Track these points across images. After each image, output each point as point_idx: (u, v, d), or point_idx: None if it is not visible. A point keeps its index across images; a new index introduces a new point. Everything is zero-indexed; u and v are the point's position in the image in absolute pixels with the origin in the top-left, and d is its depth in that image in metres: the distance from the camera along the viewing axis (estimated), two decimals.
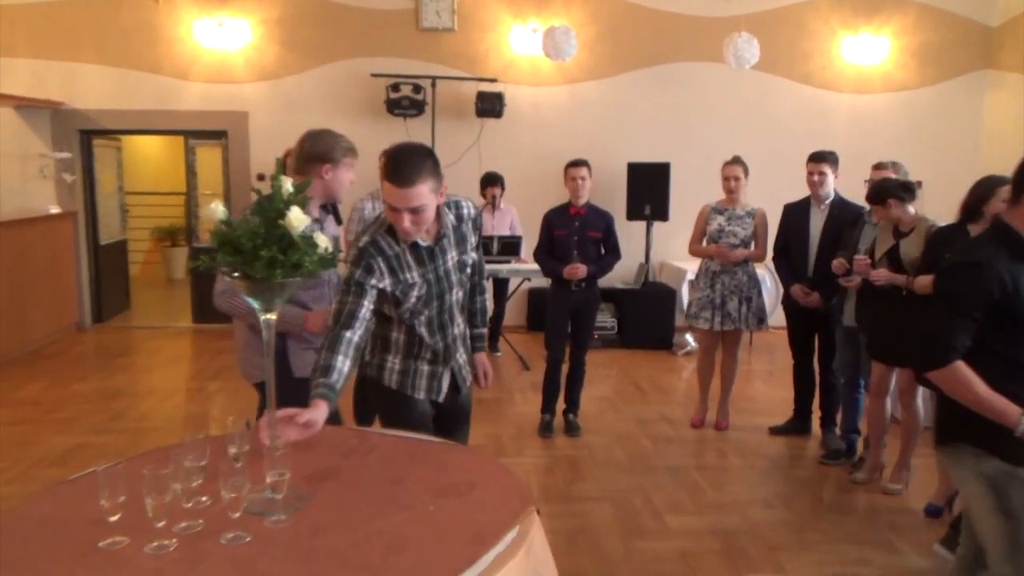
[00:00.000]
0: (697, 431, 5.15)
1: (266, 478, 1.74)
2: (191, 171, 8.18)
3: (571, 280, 4.87)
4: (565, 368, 5.13)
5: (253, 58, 7.75)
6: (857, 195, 4.82)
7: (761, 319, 5.05)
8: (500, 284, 7.04)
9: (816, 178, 4.72)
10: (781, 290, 5.12)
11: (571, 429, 5.05)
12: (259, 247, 1.65)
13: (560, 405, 5.15)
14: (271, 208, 1.70)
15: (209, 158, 8.19)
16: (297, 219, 1.68)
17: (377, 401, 2.75)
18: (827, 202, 4.75)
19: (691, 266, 6.23)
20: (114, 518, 1.66)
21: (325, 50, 7.75)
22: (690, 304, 5.18)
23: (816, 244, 4.73)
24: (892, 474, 4.29)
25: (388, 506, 1.80)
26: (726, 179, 5.03)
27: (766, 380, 6.51)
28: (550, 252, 4.98)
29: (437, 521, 1.74)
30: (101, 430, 4.99)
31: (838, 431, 4.80)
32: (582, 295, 4.94)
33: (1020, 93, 7.69)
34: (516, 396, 5.86)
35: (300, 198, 1.72)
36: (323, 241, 1.76)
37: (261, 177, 7.82)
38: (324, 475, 1.96)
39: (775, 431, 5.11)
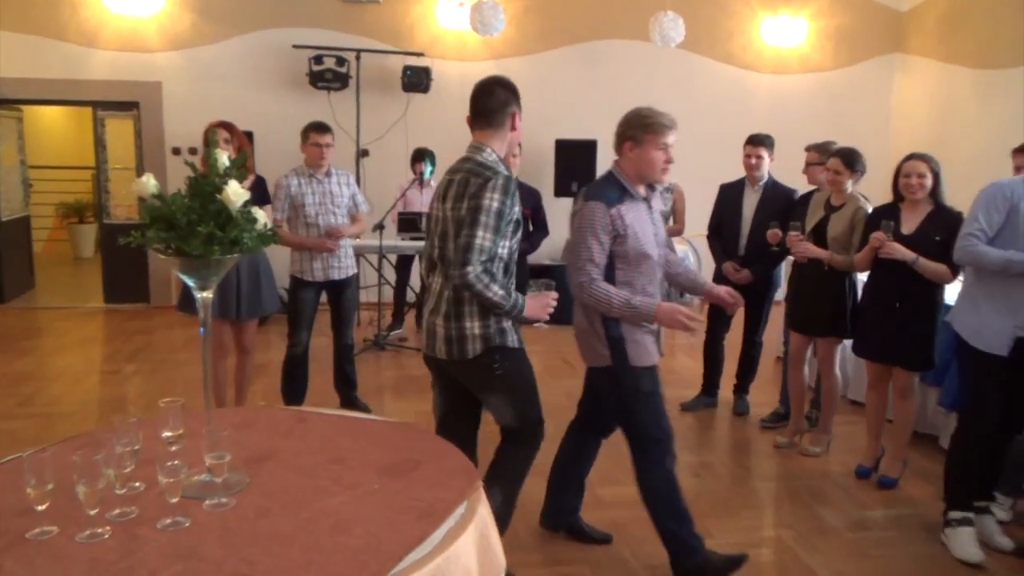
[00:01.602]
0: None
1: (205, 460, 1.69)
2: (100, 144, 7.79)
3: None
4: None
5: (166, 25, 7.42)
6: (780, 175, 4.99)
7: (682, 293, 5.19)
8: None
9: (753, 161, 4.82)
10: (703, 266, 5.25)
11: None
12: (195, 223, 1.59)
13: None
14: (206, 183, 1.63)
15: (120, 131, 7.81)
16: (235, 193, 1.62)
17: (508, 365, 2.68)
18: (761, 183, 4.86)
19: None
20: (42, 507, 1.59)
21: (243, 19, 7.48)
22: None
23: (748, 224, 4.84)
24: (812, 438, 4.49)
25: (332, 486, 1.78)
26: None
27: (688, 352, 6.68)
28: None
29: (383, 500, 1.73)
30: (9, 416, 4.75)
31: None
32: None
33: (927, 75, 8.05)
34: None
35: (237, 172, 1.66)
36: (262, 216, 1.70)
37: (176, 151, 7.53)
38: (263, 456, 1.92)
39: (686, 408, 5.20)
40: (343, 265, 4.63)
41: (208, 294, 1.73)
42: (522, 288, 4.87)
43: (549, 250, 7.61)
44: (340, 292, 4.69)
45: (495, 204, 2.53)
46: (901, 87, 8.43)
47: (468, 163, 2.68)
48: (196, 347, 6.26)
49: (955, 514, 3.37)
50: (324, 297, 4.68)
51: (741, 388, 5.15)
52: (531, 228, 4.99)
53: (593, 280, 2.80)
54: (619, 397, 2.95)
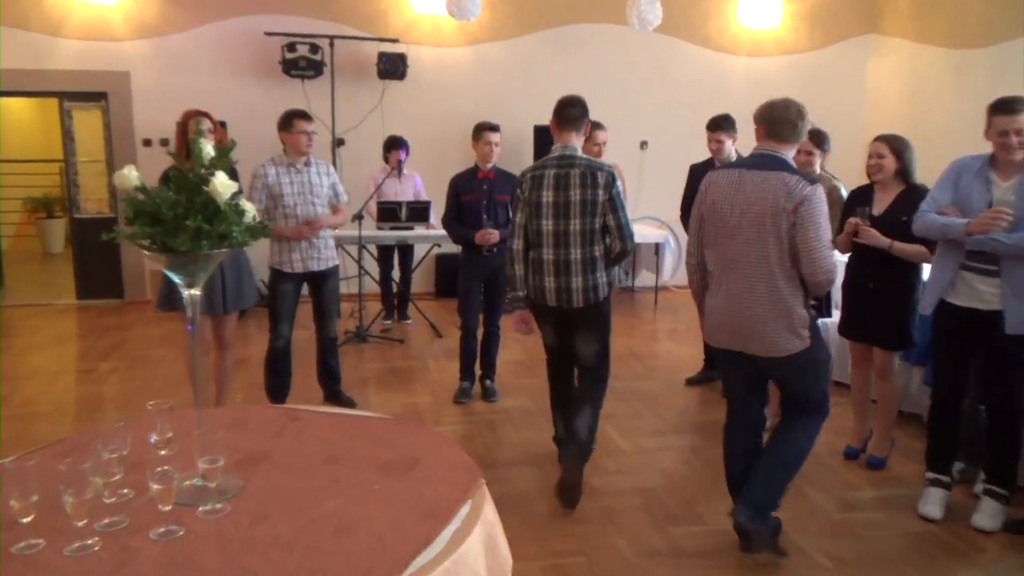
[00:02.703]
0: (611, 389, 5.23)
1: (197, 465, 1.61)
2: (68, 136, 7.58)
3: (483, 246, 4.81)
4: (479, 334, 5.10)
5: (133, 13, 7.23)
6: None
7: (628, 272, 5.23)
8: (406, 251, 6.90)
9: (714, 146, 4.92)
10: (683, 250, 5.24)
11: (488, 395, 5.03)
12: (182, 217, 1.51)
13: (476, 371, 5.11)
14: (193, 174, 1.55)
15: (88, 122, 7.61)
16: (223, 185, 1.54)
17: (609, 308, 3.72)
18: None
19: None
20: (27, 519, 1.50)
21: (214, 5, 7.30)
22: None
23: None
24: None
25: (330, 487, 1.71)
26: (596, 144, 5.03)
27: (671, 337, 6.67)
28: (458, 218, 4.91)
29: (385, 500, 1.67)
30: None
31: None
32: (494, 260, 4.88)
33: (901, 57, 8.08)
34: (430, 364, 5.78)
35: (224, 162, 1.58)
36: (251, 209, 1.62)
37: (147, 143, 7.36)
38: (256, 459, 1.85)
39: (691, 382, 5.35)
40: (323, 256, 4.53)
41: (196, 291, 1.65)
42: (501, 276, 4.85)
43: None
44: (321, 284, 4.59)
45: (622, 188, 3.72)
46: (875, 68, 8.46)
47: (576, 160, 3.56)
48: (173, 343, 6.13)
49: (928, 475, 3.61)
50: (305, 289, 4.59)
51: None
52: (509, 215, 4.92)
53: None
54: (812, 372, 3.07)
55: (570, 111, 3.62)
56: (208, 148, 1.61)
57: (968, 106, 7.06)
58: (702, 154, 5.07)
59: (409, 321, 6.96)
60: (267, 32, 7.15)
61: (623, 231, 3.56)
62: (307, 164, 4.46)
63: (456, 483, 1.73)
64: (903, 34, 8.01)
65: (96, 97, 7.40)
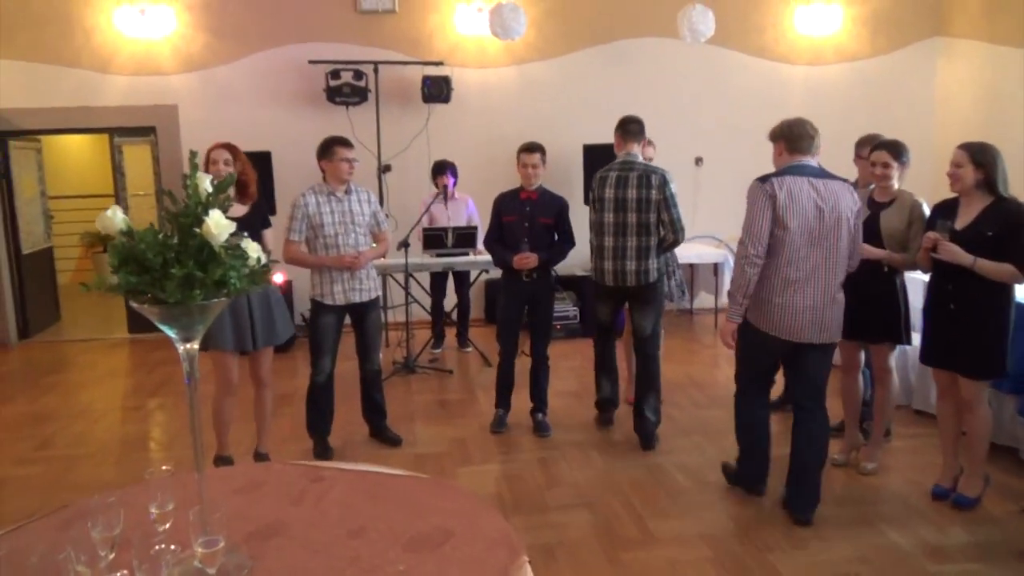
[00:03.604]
0: (669, 420, 4.94)
1: (195, 548, 1.41)
2: (118, 171, 7.63)
3: (521, 271, 4.60)
4: (522, 362, 4.89)
5: (180, 47, 7.25)
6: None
7: (683, 291, 5.27)
8: (461, 277, 6.71)
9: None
10: None
11: (541, 429, 4.77)
12: (170, 263, 1.31)
13: (527, 404, 4.87)
14: (185, 213, 1.35)
15: (138, 156, 7.66)
16: (217, 226, 1.34)
17: (661, 288, 4.55)
18: None
19: None
20: None
21: (257, 37, 7.28)
22: None
23: None
24: (865, 453, 4.15)
25: (349, 568, 1.49)
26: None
27: (732, 363, 6.31)
28: (500, 239, 4.71)
29: None
30: (26, 460, 4.53)
31: None
32: (535, 285, 4.67)
33: (971, 59, 7.62)
34: (479, 395, 5.55)
35: (222, 199, 1.38)
36: (254, 251, 1.42)
37: None
38: (270, 531, 1.63)
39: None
40: (365, 287, 4.36)
41: (193, 346, 1.45)
42: (545, 302, 4.76)
43: (581, 260, 7.29)
44: (364, 316, 4.41)
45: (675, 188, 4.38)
46: (944, 73, 7.99)
47: (635, 164, 4.40)
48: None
49: None
50: (347, 321, 4.42)
51: None
52: (555, 238, 4.70)
53: None
54: (830, 358, 3.63)
55: (632, 126, 4.50)
56: (205, 183, 1.42)
57: None
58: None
59: (469, 349, 6.75)
60: (311, 60, 7.09)
61: (675, 224, 4.33)
62: (347, 192, 4.30)
63: (493, 563, 1.49)
64: (974, 35, 7.55)
65: (145, 132, 7.44)
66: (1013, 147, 6.14)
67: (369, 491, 1.83)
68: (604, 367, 4.85)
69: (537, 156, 4.62)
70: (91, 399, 5.74)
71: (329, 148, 4.24)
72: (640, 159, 4.45)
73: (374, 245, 4.42)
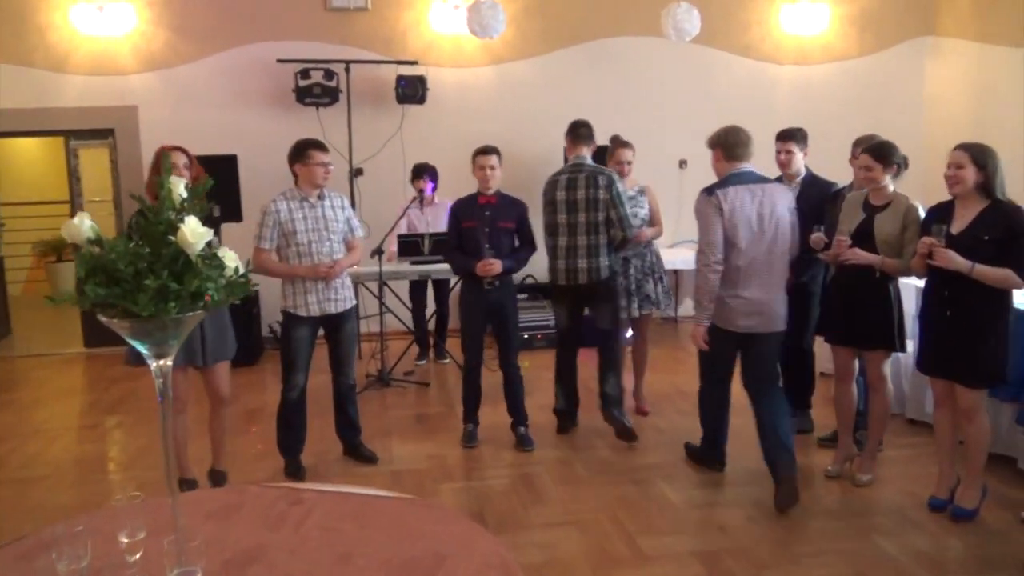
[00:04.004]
0: (656, 431, 4.94)
1: None
2: (74, 176, 7.52)
3: (484, 278, 4.59)
4: (497, 377, 4.90)
5: (140, 45, 7.16)
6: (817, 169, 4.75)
7: (670, 297, 5.29)
8: (439, 285, 6.66)
9: (783, 156, 4.71)
10: None
11: (524, 443, 4.74)
12: (143, 273, 1.27)
13: (506, 417, 4.85)
14: (158, 220, 1.32)
15: (95, 160, 7.55)
16: (194, 233, 1.31)
17: (615, 285, 4.84)
18: (798, 180, 4.71)
19: None
20: None
21: (222, 35, 7.21)
22: None
23: None
24: (859, 464, 4.17)
25: None
26: (619, 163, 5.10)
27: None
28: (459, 247, 4.71)
29: None
30: None
31: None
32: (498, 293, 4.67)
33: (960, 58, 7.74)
34: (458, 409, 5.47)
35: (199, 205, 1.35)
36: (231, 260, 1.39)
37: None
38: (248, 559, 1.59)
39: None
40: (341, 297, 4.31)
41: (167, 362, 1.41)
42: (510, 310, 4.78)
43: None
44: (339, 327, 4.37)
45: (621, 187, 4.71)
46: (934, 72, 8.11)
47: (584, 167, 4.69)
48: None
49: None
50: (321, 332, 4.37)
51: (801, 402, 4.88)
52: (515, 243, 4.71)
53: None
54: (779, 345, 4.06)
55: (582, 130, 4.78)
56: (180, 188, 1.39)
57: None
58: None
59: (447, 361, 6.71)
60: (279, 60, 7.03)
61: (623, 222, 4.60)
62: (320, 198, 4.26)
63: None
64: (963, 34, 7.67)
65: (103, 134, 7.33)
66: (1004, 148, 6.18)
67: (353, 514, 1.79)
68: (562, 377, 4.97)
69: (494, 158, 4.64)
70: (45, 418, 5.62)
71: (303, 151, 4.19)
72: (588, 161, 4.71)
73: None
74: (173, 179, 1.38)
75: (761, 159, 5.30)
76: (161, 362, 1.40)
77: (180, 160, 3.85)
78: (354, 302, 4.43)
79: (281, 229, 4.16)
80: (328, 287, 4.24)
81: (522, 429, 4.81)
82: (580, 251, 4.63)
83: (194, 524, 1.47)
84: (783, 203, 3.93)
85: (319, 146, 4.22)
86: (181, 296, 1.30)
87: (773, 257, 3.90)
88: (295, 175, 4.25)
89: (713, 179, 4.12)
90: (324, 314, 4.26)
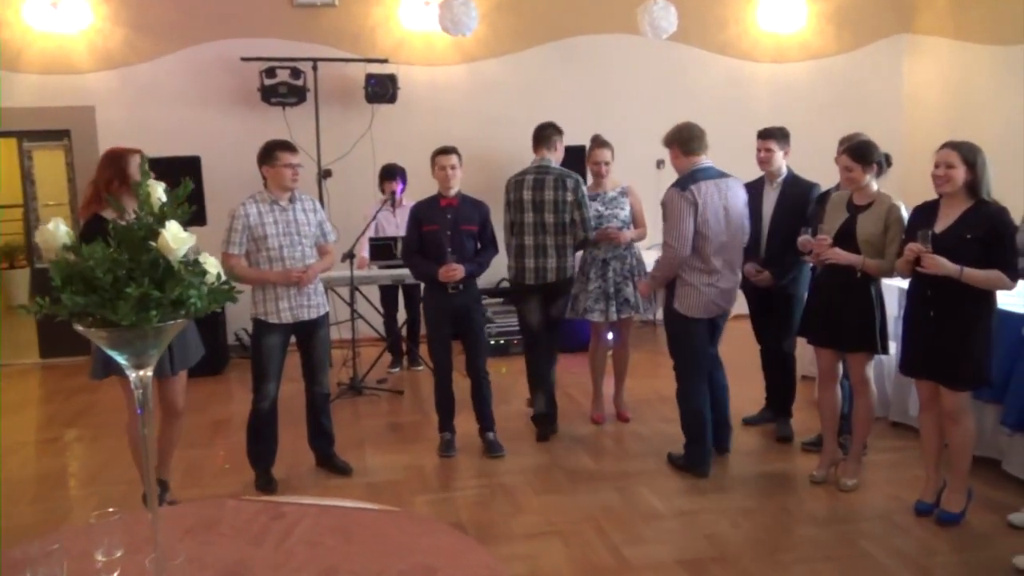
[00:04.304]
0: (638, 438, 4.96)
1: None
2: (28, 179, 7.40)
3: (447, 283, 4.61)
4: (463, 380, 4.90)
5: (97, 43, 7.08)
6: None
7: (651, 300, 5.21)
8: (410, 290, 6.64)
9: (763, 155, 4.78)
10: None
11: (492, 449, 4.76)
12: (123, 281, 1.26)
13: (473, 426, 4.87)
14: (138, 225, 1.31)
15: (50, 163, 7.43)
16: (176, 239, 1.30)
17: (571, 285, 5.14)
18: (779, 179, 4.78)
19: None
20: None
21: (183, 31, 7.15)
22: (576, 297, 5.13)
23: (768, 222, 4.77)
24: (844, 468, 4.23)
25: None
26: (596, 163, 5.15)
27: None
28: (421, 251, 4.72)
29: None
30: None
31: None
32: (462, 297, 4.69)
33: (938, 56, 7.90)
34: (433, 417, 5.45)
35: (181, 211, 1.34)
36: (213, 266, 1.38)
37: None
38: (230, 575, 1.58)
39: (749, 421, 5.14)
40: (313, 303, 4.29)
41: (147, 372, 1.40)
42: (475, 314, 4.82)
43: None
44: (312, 334, 4.34)
45: (586, 190, 4.97)
46: (912, 70, 8.27)
47: (552, 170, 4.90)
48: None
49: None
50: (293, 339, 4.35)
51: (782, 409, 4.96)
52: (478, 246, 4.74)
53: None
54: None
55: (544, 132, 5.01)
56: (159, 191, 1.38)
57: (1018, 108, 6.85)
58: (724, 167, 4.91)
59: (420, 368, 6.69)
60: (243, 58, 6.98)
61: (586, 224, 4.86)
62: (292, 201, 4.24)
63: None
64: (941, 32, 7.82)
65: (58, 135, 7.22)
66: (983, 146, 6.35)
67: (337, 528, 1.78)
68: (536, 379, 5.05)
69: (454, 157, 4.66)
70: (1, 432, 5.52)
71: (271, 153, 4.17)
72: (553, 164, 4.94)
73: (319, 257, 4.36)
74: (151, 183, 1.36)
75: (740, 159, 5.41)
76: (141, 372, 1.38)
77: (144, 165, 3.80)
78: (327, 308, 4.41)
79: (251, 233, 4.13)
80: (300, 293, 4.22)
81: (490, 435, 4.84)
82: (549, 250, 4.84)
83: (173, 541, 1.46)
84: (741, 196, 4.34)
85: (287, 147, 4.20)
86: (162, 304, 1.29)
87: (736, 244, 4.33)
88: (264, 178, 4.23)
89: None
90: (296, 321, 4.24)
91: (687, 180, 4.19)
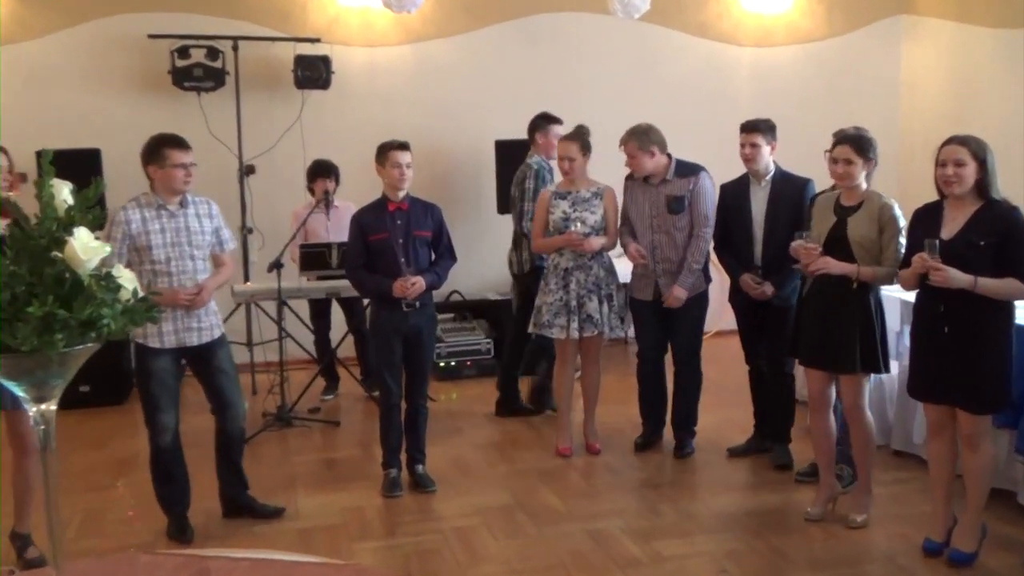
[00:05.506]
0: (613, 473, 4.98)
1: None
2: None
3: (403, 299, 4.57)
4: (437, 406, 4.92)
5: None
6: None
7: (623, 319, 5.26)
8: (350, 304, 6.55)
9: (747, 150, 4.82)
10: (727, 286, 5.12)
11: (423, 484, 4.80)
12: (22, 299, 1.22)
13: (435, 460, 4.89)
14: (40, 233, 1.27)
15: None
16: (85, 249, 1.26)
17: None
18: (768, 177, 4.83)
19: None
20: None
21: (80, 4, 7.03)
22: (539, 310, 5.16)
23: (761, 226, 4.80)
24: (853, 503, 4.27)
25: None
26: (562, 159, 5.14)
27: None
28: (367, 264, 4.68)
29: None
30: None
31: None
32: (416, 316, 4.68)
33: (939, 40, 8.11)
34: (375, 451, 5.41)
35: (91, 215, 1.30)
36: (129, 280, 1.34)
37: None
38: None
39: (735, 452, 5.19)
40: (204, 325, 4.19)
41: (50, 407, 1.36)
42: (428, 335, 4.84)
43: (497, 282, 7.30)
44: (206, 360, 4.25)
45: (530, 184, 5.79)
46: (910, 55, 8.47)
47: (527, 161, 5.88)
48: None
49: None
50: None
51: (780, 435, 5.02)
52: (432, 256, 4.74)
53: None
54: None
55: (533, 122, 6.05)
56: (65, 193, 1.34)
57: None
58: (702, 161, 5.15)
59: (376, 393, 6.61)
60: (151, 35, 6.88)
61: (521, 216, 5.77)
62: (183, 205, 4.16)
63: None
64: (942, 13, 8.03)
65: None
66: (987, 139, 6.52)
67: None
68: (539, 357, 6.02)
69: (410, 155, 4.66)
70: None
71: (157, 151, 4.07)
72: (535, 157, 5.89)
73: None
74: (56, 182, 1.33)
75: (722, 152, 5.49)
76: (43, 407, 1.34)
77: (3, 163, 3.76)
78: (221, 331, 4.32)
79: (133, 243, 4.03)
80: (189, 315, 4.14)
81: (420, 468, 4.87)
82: (515, 241, 5.94)
83: None
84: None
85: (177, 143, 4.11)
86: (70, 325, 1.25)
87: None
88: (150, 179, 4.14)
89: None
90: (183, 346, 4.16)
91: (699, 167, 5.05)
